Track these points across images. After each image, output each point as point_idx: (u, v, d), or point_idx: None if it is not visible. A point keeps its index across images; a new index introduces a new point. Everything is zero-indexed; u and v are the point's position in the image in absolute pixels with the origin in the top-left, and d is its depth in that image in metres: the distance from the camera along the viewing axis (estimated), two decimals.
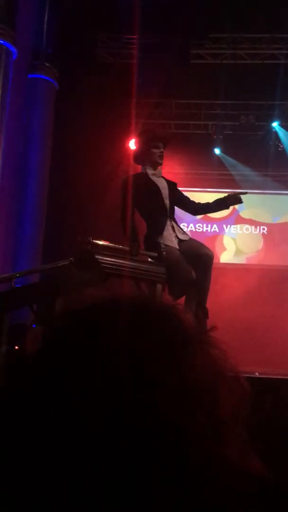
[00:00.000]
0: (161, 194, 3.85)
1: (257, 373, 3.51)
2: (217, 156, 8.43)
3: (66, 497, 0.39)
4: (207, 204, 3.96)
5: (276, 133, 8.22)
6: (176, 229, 3.82)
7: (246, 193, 3.96)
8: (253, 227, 8.67)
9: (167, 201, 3.85)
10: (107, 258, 3.31)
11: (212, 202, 3.92)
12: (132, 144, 7.70)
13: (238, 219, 8.72)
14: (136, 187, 3.83)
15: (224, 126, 8.30)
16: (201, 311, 3.47)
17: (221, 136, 8.29)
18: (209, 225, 8.68)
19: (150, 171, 3.90)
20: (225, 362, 0.48)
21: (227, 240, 8.66)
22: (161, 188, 3.86)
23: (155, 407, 0.41)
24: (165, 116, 8.22)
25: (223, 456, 0.43)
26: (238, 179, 8.58)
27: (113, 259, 3.34)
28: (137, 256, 3.58)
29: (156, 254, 3.69)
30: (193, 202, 3.99)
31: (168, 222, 3.81)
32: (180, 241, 3.78)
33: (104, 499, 0.39)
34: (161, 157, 3.90)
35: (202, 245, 3.82)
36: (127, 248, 3.70)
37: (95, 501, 0.38)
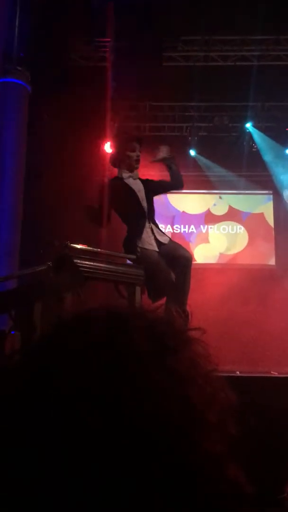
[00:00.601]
0: (138, 198, 3.86)
1: (237, 372, 3.53)
2: (193, 158, 8.48)
3: (66, 497, 0.39)
4: (170, 177, 4.01)
5: (250, 134, 8.31)
6: (155, 232, 3.82)
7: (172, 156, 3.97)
8: (230, 226, 8.74)
9: (144, 204, 3.86)
10: (86, 262, 3.30)
11: (170, 174, 3.99)
12: (107, 147, 7.69)
13: (215, 219, 8.78)
14: (113, 192, 3.84)
15: (199, 127, 8.36)
16: (182, 314, 3.48)
17: (196, 138, 8.35)
18: (187, 226, 8.72)
19: (125, 174, 3.91)
20: (209, 361, 0.49)
21: (204, 240, 8.71)
22: (136, 191, 3.87)
23: (153, 407, 0.42)
24: (140, 118, 8.23)
25: (221, 456, 0.43)
26: (213, 180, 8.65)
27: (91, 263, 3.33)
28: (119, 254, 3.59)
29: (134, 257, 3.69)
30: (164, 183, 4.03)
31: (147, 225, 3.82)
32: (160, 243, 3.78)
33: (104, 499, 0.39)
34: (138, 161, 3.91)
35: (179, 246, 3.84)
36: (105, 251, 3.70)
37: (95, 501, 0.39)
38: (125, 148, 3.92)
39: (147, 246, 3.75)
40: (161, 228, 3.96)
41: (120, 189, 3.86)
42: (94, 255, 3.42)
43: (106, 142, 7.73)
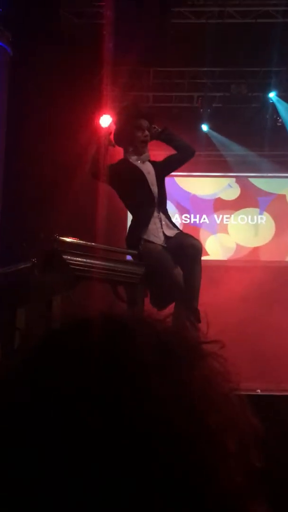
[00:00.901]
0: (147, 181, 3.87)
1: (258, 390, 3.55)
2: (205, 134, 8.47)
3: (66, 497, 0.44)
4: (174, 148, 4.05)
5: (273, 105, 8.29)
6: (164, 223, 3.83)
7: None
8: (249, 215, 8.74)
9: (154, 188, 3.88)
10: (77, 258, 3.32)
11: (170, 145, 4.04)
12: (103, 121, 7.69)
13: (230, 206, 8.78)
14: (117, 176, 3.85)
15: (212, 97, 8.34)
16: (192, 314, 3.49)
17: (209, 110, 8.34)
18: (198, 216, 8.72)
19: (133, 157, 3.93)
20: (228, 380, 0.51)
21: (219, 233, 8.71)
22: (146, 173, 3.89)
23: (154, 410, 0.46)
24: (142, 87, 8.23)
25: (241, 490, 0.47)
26: (230, 160, 8.64)
27: (84, 259, 3.34)
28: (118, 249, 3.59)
29: (135, 252, 3.70)
30: (171, 157, 4.06)
31: (156, 214, 3.83)
32: (167, 238, 3.78)
33: (104, 499, 0.44)
34: (145, 142, 3.92)
35: (188, 236, 3.85)
36: (101, 246, 3.70)
37: (95, 501, 0.44)
38: (130, 125, 3.91)
39: (152, 239, 3.76)
40: (172, 220, 3.96)
41: (125, 171, 3.88)
42: (87, 250, 3.43)
43: (102, 115, 7.72)
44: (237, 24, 7.63)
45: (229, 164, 8.68)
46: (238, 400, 0.51)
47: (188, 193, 8.75)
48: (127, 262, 3.70)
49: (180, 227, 4.05)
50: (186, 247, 3.69)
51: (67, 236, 3.46)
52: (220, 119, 8.36)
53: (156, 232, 3.78)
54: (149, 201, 3.84)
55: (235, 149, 8.50)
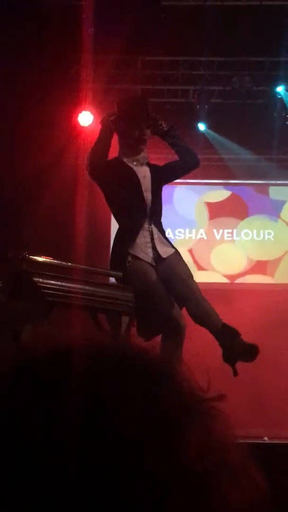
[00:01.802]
0: (140, 185, 3.88)
1: (265, 438, 3.55)
2: (202, 134, 8.52)
3: None
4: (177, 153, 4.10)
5: (282, 100, 8.37)
6: (156, 238, 3.83)
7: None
8: (254, 231, 8.78)
9: (147, 195, 3.89)
10: (51, 281, 3.32)
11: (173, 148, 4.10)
12: (83, 119, 7.73)
13: (234, 220, 8.81)
14: (106, 176, 3.87)
15: (211, 92, 8.41)
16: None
17: (206, 106, 8.39)
18: (193, 231, 8.74)
19: (127, 157, 3.94)
20: (232, 446, 0.51)
21: (217, 251, 8.74)
22: (140, 176, 3.91)
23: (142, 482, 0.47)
24: (129, 78, 8.27)
25: None
26: (231, 165, 8.69)
27: (59, 282, 3.35)
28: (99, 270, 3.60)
29: (120, 274, 3.71)
30: (174, 163, 4.13)
31: (146, 225, 3.83)
32: (159, 257, 3.78)
33: None
34: (142, 141, 3.94)
35: (181, 262, 3.84)
36: (79, 266, 3.71)
37: None
38: (127, 120, 3.92)
39: (140, 255, 3.76)
40: (167, 235, 3.98)
41: (117, 171, 3.89)
42: (63, 272, 3.44)
43: (81, 112, 7.76)
44: (239, 6, 7.71)
45: (230, 170, 8.72)
46: (241, 461, 0.51)
47: (183, 203, 8.78)
48: (111, 286, 3.72)
49: (174, 244, 4.06)
50: (175, 276, 3.72)
51: (39, 255, 3.46)
52: (219, 117, 8.41)
53: (145, 247, 3.78)
54: (140, 210, 3.85)
55: (237, 152, 8.55)
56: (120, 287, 3.66)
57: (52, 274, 3.35)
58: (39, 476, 0.46)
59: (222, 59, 8.18)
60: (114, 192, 3.89)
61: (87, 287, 3.49)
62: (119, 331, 3.51)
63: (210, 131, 8.53)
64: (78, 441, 0.47)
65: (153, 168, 4.00)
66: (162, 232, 3.92)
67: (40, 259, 3.44)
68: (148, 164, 4.00)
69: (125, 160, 3.94)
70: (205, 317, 3.74)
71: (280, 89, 8.29)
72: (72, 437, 0.47)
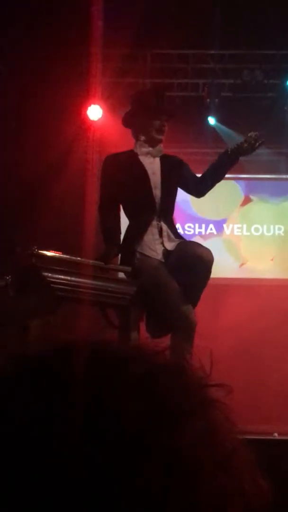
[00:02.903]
0: (149, 182, 3.86)
1: (275, 434, 3.55)
2: (212, 128, 8.51)
3: None
4: (206, 172, 4.07)
5: None
6: (165, 234, 3.81)
7: (262, 142, 4.06)
8: (264, 226, 8.77)
9: (156, 192, 3.86)
10: (60, 276, 3.32)
11: (210, 167, 4.07)
12: (92, 113, 7.73)
13: (243, 216, 8.80)
14: (119, 171, 3.87)
15: (221, 85, 8.39)
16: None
17: (216, 100, 8.38)
18: (203, 225, 8.74)
19: (143, 149, 3.92)
20: (231, 437, 0.50)
21: (228, 246, 8.73)
22: (150, 173, 3.89)
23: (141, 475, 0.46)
24: (138, 72, 8.27)
25: None
26: (242, 159, 8.64)
27: (67, 277, 3.35)
28: (108, 265, 3.59)
29: (129, 269, 3.70)
30: (195, 179, 4.07)
31: (155, 222, 3.82)
32: (168, 252, 3.77)
33: None
34: (161, 131, 3.90)
35: (193, 244, 3.83)
36: (88, 261, 3.70)
37: None
38: (145, 110, 3.91)
39: (148, 253, 3.75)
40: (175, 231, 3.93)
41: (128, 167, 3.88)
42: (71, 267, 3.44)
43: (90, 106, 7.76)
44: None
45: (240, 164, 8.69)
46: (245, 459, 0.50)
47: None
48: (119, 280, 3.71)
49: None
50: (191, 258, 3.68)
51: (48, 250, 3.46)
52: (230, 110, 8.39)
53: (153, 245, 3.77)
54: (148, 207, 3.83)
55: None
56: (129, 282, 3.66)
57: (61, 268, 3.35)
58: (38, 474, 0.46)
59: (232, 52, 8.17)
60: (122, 189, 3.88)
61: (96, 282, 3.49)
62: (128, 325, 3.51)
63: (220, 125, 8.52)
64: (78, 440, 0.47)
65: (167, 162, 3.96)
66: (172, 228, 3.90)
67: (49, 253, 3.44)
68: (163, 158, 3.96)
69: (138, 153, 3.92)
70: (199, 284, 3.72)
71: None
72: (72, 436, 0.47)
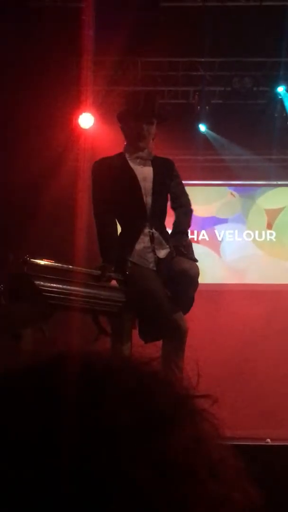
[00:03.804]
0: (139, 189, 3.79)
1: (268, 440, 3.55)
2: (203, 135, 8.53)
3: None
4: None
5: (282, 101, 8.38)
6: (157, 241, 3.77)
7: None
8: (256, 232, 8.79)
9: (147, 198, 3.79)
10: (52, 284, 3.32)
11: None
12: (83, 121, 7.73)
13: (235, 221, 8.82)
14: (109, 176, 3.80)
15: (211, 92, 8.42)
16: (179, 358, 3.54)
17: (207, 107, 8.40)
18: (195, 231, 8.75)
19: (132, 153, 3.84)
20: (218, 445, 0.50)
21: (218, 251, 8.74)
22: (141, 179, 3.80)
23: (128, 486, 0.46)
24: (129, 80, 8.28)
25: None
26: (232, 166, 8.69)
27: (60, 285, 3.35)
28: (105, 282, 3.57)
29: (121, 277, 3.70)
30: (179, 207, 4.00)
31: (146, 230, 3.77)
32: (159, 260, 3.74)
33: None
34: (142, 136, 3.81)
35: (183, 260, 3.78)
36: (80, 269, 3.70)
37: None
38: (133, 114, 3.84)
39: (139, 261, 3.72)
40: (168, 238, 3.87)
41: (117, 173, 3.80)
42: (64, 275, 3.43)
43: (81, 114, 7.77)
44: (239, 7, 7.72)
45: (231, 171, 8.73)
46: (235, 467, 0.51)
47: None
48: (112, 288, 3.71)
49: None
50: (176, 273, 3.66)
51: (40, 258, 3.46)
52: (220, 117, 8.42)
53: (144, 253, 3.73)
54: (139, 215, 3.78)
55: (238, 153, 8.56)
56: (121, 289, 3.66)
57: (53, 277, 3.35)
58: (33, 481, 0.46)
59: (222, 59, 8.20)
60: (113, 194, 3.80)
61: (88, 290, 3.49)
62: (120, 333, 3.52)
63: (211, 132, 8.54)
64: (70, 451, 0.47)
65: (158, 166, 3.87)
66: (165, 235, 3.84)
67: (41, 262, 3.44)
68: (155, 161, 3.87)
69: (127, 157, 3.84)
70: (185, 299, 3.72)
71: (280, 89, 8.31)
72: (64, 447, 0.47)
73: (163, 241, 3.80)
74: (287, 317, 7.85)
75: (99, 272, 3.59)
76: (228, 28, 7.63)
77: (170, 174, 3.92)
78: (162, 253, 3.77)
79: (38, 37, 7.33)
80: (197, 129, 8.49)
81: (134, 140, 3.83)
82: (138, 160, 3.84)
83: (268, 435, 3.85)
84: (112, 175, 3.80)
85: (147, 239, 3.76)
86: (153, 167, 3.86)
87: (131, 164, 3.83)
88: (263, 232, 8.80)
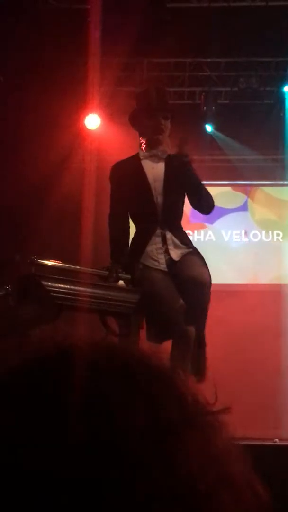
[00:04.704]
0: (150, 190, 3.76)
1: (276, 440, 3.55)
2: (209, 135, 8.52)
3: None
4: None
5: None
6: (169, 242, 3.71)
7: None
8: (263, 232, 8.77)
9: (159, 199, 3.75)
10: (59, 285, 3.32)
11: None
12: (90, 122, 7.74)
13: (243, 221, 8.80)
14: (124, 178, 3.78)
15: (218, 93, 8.42)
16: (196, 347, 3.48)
17: (213, 108, 8.40)
18: (202, 232, 8.74)
19: (145, 152, 3.81)
20: (234, 459, 0.50)
21: (230, 252, 8.73)
22: (151, 180, 3.76)
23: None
24: (135, 81, 8.29)
25: None
26: (238, 166, 8.69)
27: (67, 286, 3.35)
28: (113, 282, 3.55)
29: (128, 277, 3.70)
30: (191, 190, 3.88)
31: (158, 231, 3.72)
32: (173, 262, 3.69)
33: None
34: (159, 131, 3.76)
35: (192, 263, 3.71)
36: (87, 270, 3.71)
37: None
38: (142, 110, 3.82)
39: (150, 263, 3.69)
40: (183, 238, 3.79)
41: (130, 174, 3.77)
42: (71, 275, 3.44)
43: (88, 115, 7.77)
44: (245, 7, 7.72)
45: (238, 171, 8.72)
46: (244, 469, 0.50)
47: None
48: (119, 288, 3.70)
49: None
50: (186, 281, 3.59)
51: (47, 259, 3.47)
52: (226, 118, 8.41)
53: (156, 254, 3.69)
54: (150, 216, 3.74)
55: (245, 153, 8.55)
56: (129, 289, 3.65)
57: (60, 277, 3.35)
58: (31, 479, 0.45)
59: (228, 60, 8.19)
60: (125, 195, 3.80)
61: (95, 290, 3.49)
62: (128, 334, 3.51)
63: (217, 132, 8.54)
64: (73, 453, 0.46)
65: (172, 165, 3.78)
66: (179, 236, 3.77)
67: (48, 262, 3.44)
68: (168, 160, 3.79)
69: (142, 157, 3.80)
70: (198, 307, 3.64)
71: (287, 89, 8.30)
72: (72, 441, 0.46)
73: (177, 242, 3.73)
74: None
75: (106, 272, 3.59)
76: (234, 28, 7.63)
77: (185, 173, 3.77)
78: (177, 253, 3.71)
79: (45, 39, 7.34)
80: (204, 130, 8.48)
81: (152, 136, 3.78)
82: (151, 160, 3.80)
83: (276, 435, 3.85)
84: (125, 177, 3.79)
85: (158, 239, 3.71)
86: (165, 165, 3.80)
87: (144, 165, 3.79)
88: (271, 233, 8.79)
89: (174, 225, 3.79)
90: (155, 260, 3.69)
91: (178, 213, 3.84)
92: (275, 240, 8.77)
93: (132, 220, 3.88)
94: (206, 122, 8.48)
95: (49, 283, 3.27)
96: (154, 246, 3.71)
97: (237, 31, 7.71)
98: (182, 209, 3.88)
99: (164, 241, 3.71)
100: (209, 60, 8.24)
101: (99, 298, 3.49)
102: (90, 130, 7.78)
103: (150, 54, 8.07)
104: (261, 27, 7.59)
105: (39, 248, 4.72)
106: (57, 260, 3.52)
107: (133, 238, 3.86)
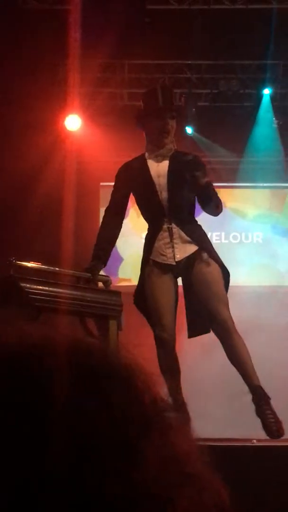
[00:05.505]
0: (153, 185, 3.80)
1: (254, 441, 3.56)
2: (189, 137, 8.54)
3: None
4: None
5: (269, 103, 8.40)
6: (176, 236, 3.74)
7: None
8: (243, 234, 8.81)
9: (163, 194, 3.79)
10: (38, 287, 3.32)
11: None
12: (70, 123, 7.72)
13: (222, 226, 8.83)
14: (130, 179, 3.86)
15: (198, 95, 8.43)
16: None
17: (193, 110, 8.41)
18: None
19: (151, 152, 3.86)
20: (194, 459, 0.49)
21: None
22: (155, 176, 3.80)
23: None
24: (115, 82, 8.29)
25: None
26: (218, 168, 8.70)
27: (46, 287, 3.35)
28: (93, 283, 3.59)
29: (108, 278, 3.71)
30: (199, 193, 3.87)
31: (165, 225, 3.76)
32: (180, 255, 3.74)
33: None
34: (164, 133, 3.79)
35: (203, 263, 3.73)
36: (66, 271, 3.70)
37: None
38: (147, 112, 3.86)
39: (159, 258, 3.75)
40: (192, 232, 3.80)
41: (136, 174, 3.85)
42: (50, 277, 3.43)
43: (68, 116, 7.76)
44: (225, 10, 7.74)
45: (217, 173, 8.74)
46: (202, 472, 0.50)
47: None
48: (99, 290, 3.71)
49: None
50: (209, 319, 3.72)
51: (26, 260, 3.46)
52: (207, 120, 8.44)
53: (163, 248, 3.74)
54: (156, 210, 3.80)
55: (224, 155, 8.57)
56: (108, 291, 3.67)
57: (39, 279, 3.35)
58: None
59: (208, 62, 8.22)
60: (136, 197, 3.91)
61: (75, 292, 3.49)
62: (107, 335, 3.52)
63: (197, 135, 8.55)
64: (60, 443, 0.46)
65: (176, 161, 3.82)
66: (188, 230, 3.78)
67: (28, 264, 3.44)
68: (173, 157, 3.84)
69: (147, 156, 3.86)
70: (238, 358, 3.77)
71: (266, 91, 8.34)
72: (52, 437, 0.46)
73: (185, 236, 3.76)
74: None
75: (87, 274, 3.61)
76: (215, 31, 7.66)
77: (191, 169, 3.77)
78: (182, 250, 3.75)
79: (25, 39, 7.31)
80: (184, 132, 8.49)
81: (159, 136, 3.82)
82: (156, 159, 3.86)
83: (254, 436, 3.86)
84: (132, 177, 3.86)
85: (166, 234, 3.75)
86: (170, 161, 3.84)
87: (149, 163, 3.86)
88: (250, 234, 8.82)
89: (182, 219, 3.81)
90: (163, 255, 3.74)
91: (186, 207, 3.85)
92: (254, 242, 8.81)
93: (144, 218, 3.96)
94: (186, 124, 8.48)
95: (28, 285, 3.26)
96: (162, 242, 3.76)
97: (218, 34, 7.74)
98: (192, 203, 3.89)
99: (171, 236, 3.75)
100: (189, 62, 8.26)
101: (78, 299, 3.50)
102: (70, 131, 7.77)
103: (130, 56, 8.07)
104: (242, 29, 7.62)
105: (19, 250, 4.70)
106: (37, 262, 3.52)
107: (145, 236, 3.92)
